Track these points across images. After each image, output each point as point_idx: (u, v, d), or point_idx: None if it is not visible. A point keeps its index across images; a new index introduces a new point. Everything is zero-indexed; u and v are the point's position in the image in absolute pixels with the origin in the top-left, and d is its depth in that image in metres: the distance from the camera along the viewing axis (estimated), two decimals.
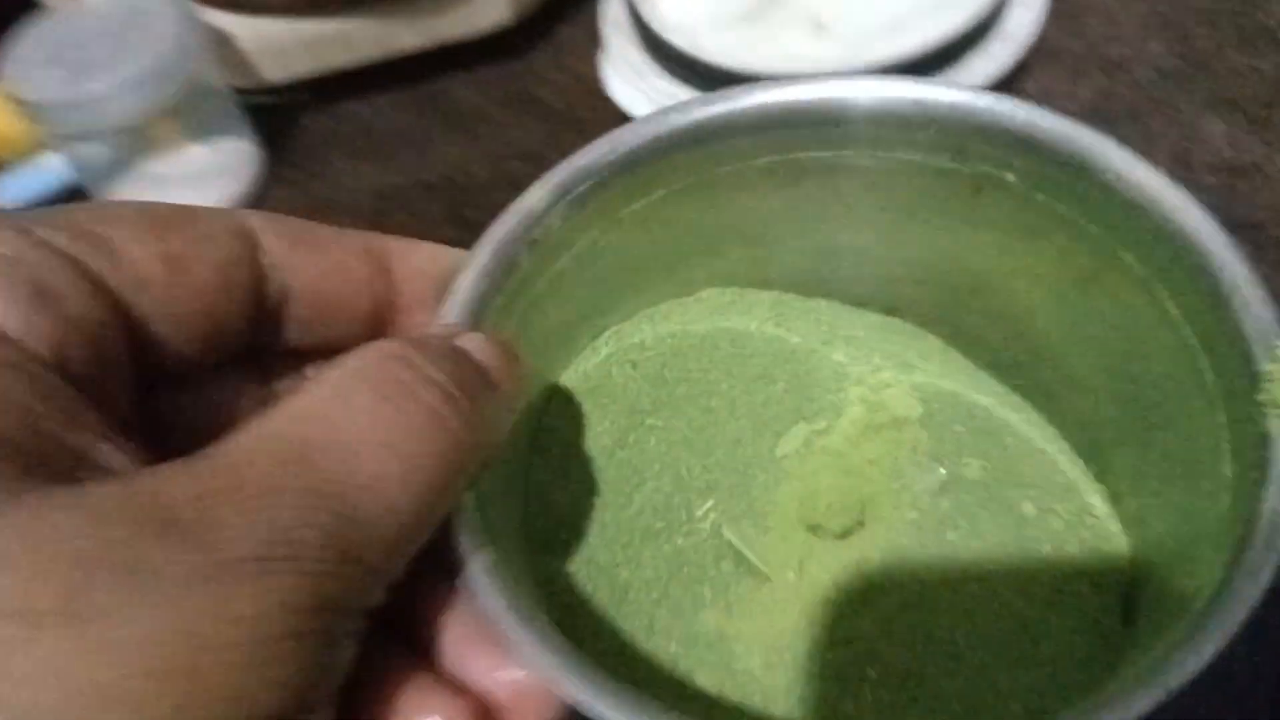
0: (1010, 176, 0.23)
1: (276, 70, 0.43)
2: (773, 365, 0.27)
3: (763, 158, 0.25)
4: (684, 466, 0.25)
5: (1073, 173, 0.22)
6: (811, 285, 0.28)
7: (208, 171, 0.41)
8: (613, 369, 0.26)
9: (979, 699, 0.21)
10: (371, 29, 0.42)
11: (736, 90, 0.24)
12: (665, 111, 0.24)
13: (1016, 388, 0.27)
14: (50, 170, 0.40)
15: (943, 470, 0.25)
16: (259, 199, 0.41)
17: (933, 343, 0.28)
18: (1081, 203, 0.23)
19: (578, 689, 0.17)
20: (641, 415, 0.26)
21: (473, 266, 0.22)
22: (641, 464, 0.25)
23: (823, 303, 0.28)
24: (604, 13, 0.44)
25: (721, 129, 0.24)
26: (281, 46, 0.42)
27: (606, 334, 0.27)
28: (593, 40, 0.43)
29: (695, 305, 0.28)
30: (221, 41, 0.41)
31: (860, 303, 0.28)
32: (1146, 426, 0.24)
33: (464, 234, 0.22)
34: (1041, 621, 0.22)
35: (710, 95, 0.24)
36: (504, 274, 0.22)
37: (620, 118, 0.41)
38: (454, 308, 0.21)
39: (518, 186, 0.22)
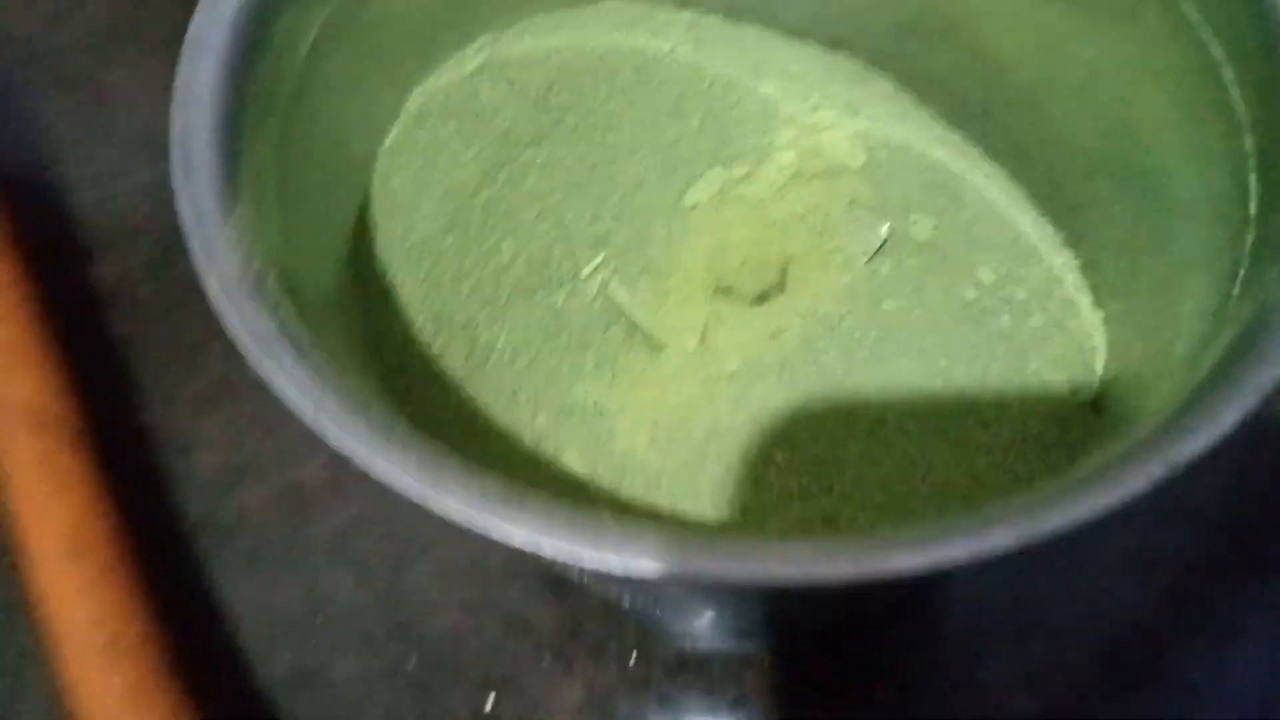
0: None
1: None
2: (686, 97, 0.22)
3: None
4: (570, 212, 0.20)
5: None
6: (738, 7, 0.23)
7: None
8: (483, 86, 0.21)
9: (908, 489, 0.17)
10: None
11: None
12: None
13: (980, 141, 0.22)
14: None
15: (885, 228, 0.20)
16: None
17: (882, 85, 0.23)
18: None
19: (372, 452, 0.12)
20: (518, 147, 0.21)
21: None
22: (515, 206, 0.20)
23: (753, 29, 0.23)
24: None
25: None
26: None
27: (478, 41, 0.21)
28: None
29: (594, 17, 0.22)
30: None
31: (798, 33, 0.23)
32: (1142, 189, 0.19)
33: None
34: (996, 405, 0.18)
35: None
36: None
37: None
38: None
39: None
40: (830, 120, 0.22)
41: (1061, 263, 0.20)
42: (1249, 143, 0.16)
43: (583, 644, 0.21)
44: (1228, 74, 0.16)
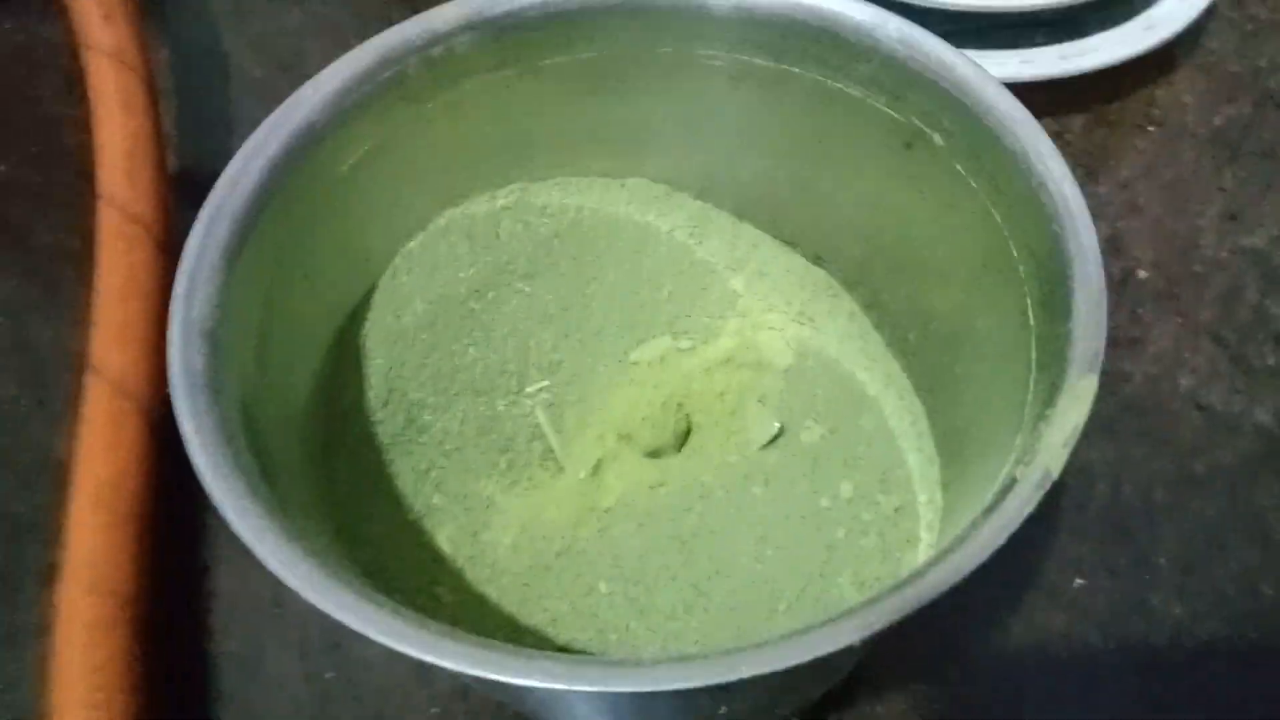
0: (937, 137, 0.21)
1: None
2: (665, 271, 0.26)
3: (708, 50, 0.23)
4: (534, 339, 0.25)
5: (988, 147, 0.20)
6: (746, 208, 0.26)
7: None
8: (504, 221, 0.25)
9: (700, 640, 0.20)
10: None
11: None
12: None
13: (912, 375, 0.25)
14: None
15: (777, 424, 0.23)
16: None
17: (848, 304, 0.26)
18: (992, 181, 0.20)
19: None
20: (513, 276, 0.25)
21: (349, 60, 0.21)
22: (491, 322, 0.25)
23: (749, 228, 0.26)
24: None
25: (676, 13, 0.23)
26: None
27: (512, 185, 0.26)
28: None
29: (618, 188, 0.26)
30: None
31: (790, 241, 0.26)
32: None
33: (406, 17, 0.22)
34: (795, 596, 0.21)
35: None
36: (387, 79, 0.22)
37: None
38: (316, 92, 0.21)
39: None
40: (778, 322, 0.25)
41: (926, 500, 0.23)
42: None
43: None
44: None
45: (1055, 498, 0.27)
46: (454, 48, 0.22)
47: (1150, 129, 0.36)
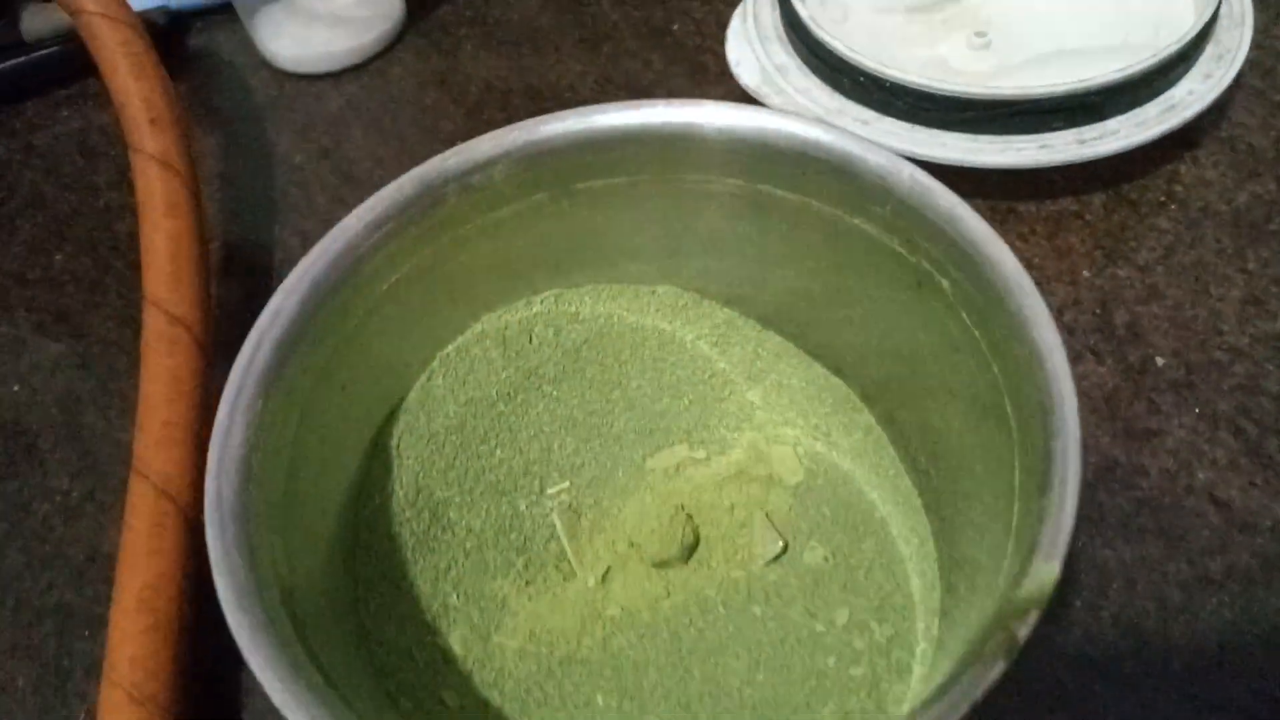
0: (945, 283, 0.22)
1: None
2: (687, 380, 0.27)
3: (732, 179, 0.24)
4: (557, 442, 0.26)
5: (991, 304, 0.21)
6: (770, 317, 0.27)
7: (350, 17, 0.43)
8: (536, 327, 0.27)
9: None
10: None
11: (748, 112, 0.23)
12: (662, 105, 0.24)
13: (923, 493, 0.25)
14: None
15: (781, 543, 0.24)
16: (386, 55, 0.44)
17: (865, 419, 0.27)
18: (991, 337, 0.21)
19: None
20: (541, 381, 0.26)
21: (391, 190, 0.23)
22: (518, 425, 0.26)
23: (775, 338, 0.27)
24: None
25: (700, 142, 0.24)
26: None
27: (546, 292, 0.27)
28: None
29: (648, 296, 0.28)
30: None
31: (816, 352, 0.27)
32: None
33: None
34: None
35: (728, 110, 0.24)
36: (427, 206, 0.23)
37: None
38: (359, 221, 0.23)
39: None
40: (790, 436, 0.26)
41: (924, 628, 0.23)
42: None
43: None
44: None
45: (1068, 598, 0.27)
46: (492, 175, 0.24)
47: (1172, 207, 0.36)
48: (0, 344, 0.37)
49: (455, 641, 0.23)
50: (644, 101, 0.24)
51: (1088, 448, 0.30)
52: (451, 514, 0.25)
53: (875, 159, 0.22)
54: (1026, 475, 0.19)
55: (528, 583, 0.24)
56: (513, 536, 0.25)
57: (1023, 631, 0.17)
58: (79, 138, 0.44)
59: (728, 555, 0.24)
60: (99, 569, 0.30)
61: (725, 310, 0.28)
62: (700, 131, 0.24)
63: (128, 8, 0.36)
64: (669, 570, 0.24)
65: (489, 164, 0.24)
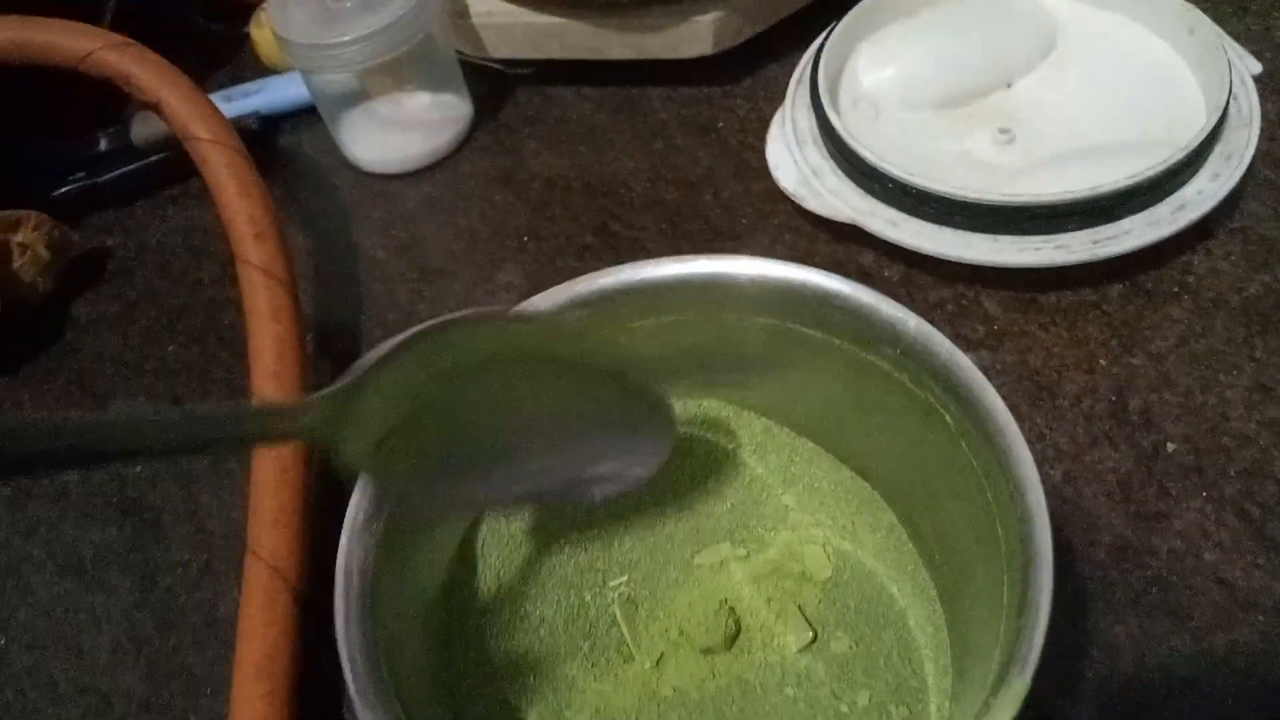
0: (948, 417, 0.26)
1: (500, 47, 0.48)
2: (728, 485, 0.31)
3: (763, 319, 0.28)
4: (617, 540, 0.30)
5: (983, 440, 0.24)
6: (802, 425, 0.31)
7: (423, 120, 0.47)
8: None
9: None
10: (588, 32, 0.46)
11: (777, 265, 0.27)
12: (704, 259, 0.28)
13: (939, 585, 0.29)
14: (301, 89, 0.49)
15: (812, 633, 0.28)
16: (456, 154, 0.48)
17: (887, 517, 0.30)
18: (986, 469, 0.24)
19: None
20: None
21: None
22: (585, 525, 0.30)
23: (808, 444, 0.31)
24: (800, 64, 0.45)
25: (735, 289, 0.28)
26: (507, 27, 0.47)
27: None
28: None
29: (694, 408, 0.32)
30: (457, 12, 0.47)
31: (842, 457, 0.31)
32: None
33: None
34: None
35: (760, 263, 0.27)
36: None
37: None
38: None
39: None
40: (820, 536, 0.30)
41: (935, 710, 0.27)
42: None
43: None
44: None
45: (1081, 669, 0.30)
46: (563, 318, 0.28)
47: (1185, 297, 0.38)
48: None
49: (534, 718, 0.27)
50: (688, 257, 0.28)
51: (1101, 528, 0.33)
52: (528, 605, 0.29)
53: (887, 310, 0.26)
54: (1011, 590, 0.23)
55: (593, 664, 0.28)
56: (580, 623, 0.29)
57: None
58: (185, 235, 0.49)
59: (765, 643, 0.28)
60: (215, 633, 0.34)
61: (762, 419, 0.31)
62: (736, 280, 0.28)
63: (233, 133, 0.41)
64: (714, 656, 0.28)
65: (558, 312, 0.28)
